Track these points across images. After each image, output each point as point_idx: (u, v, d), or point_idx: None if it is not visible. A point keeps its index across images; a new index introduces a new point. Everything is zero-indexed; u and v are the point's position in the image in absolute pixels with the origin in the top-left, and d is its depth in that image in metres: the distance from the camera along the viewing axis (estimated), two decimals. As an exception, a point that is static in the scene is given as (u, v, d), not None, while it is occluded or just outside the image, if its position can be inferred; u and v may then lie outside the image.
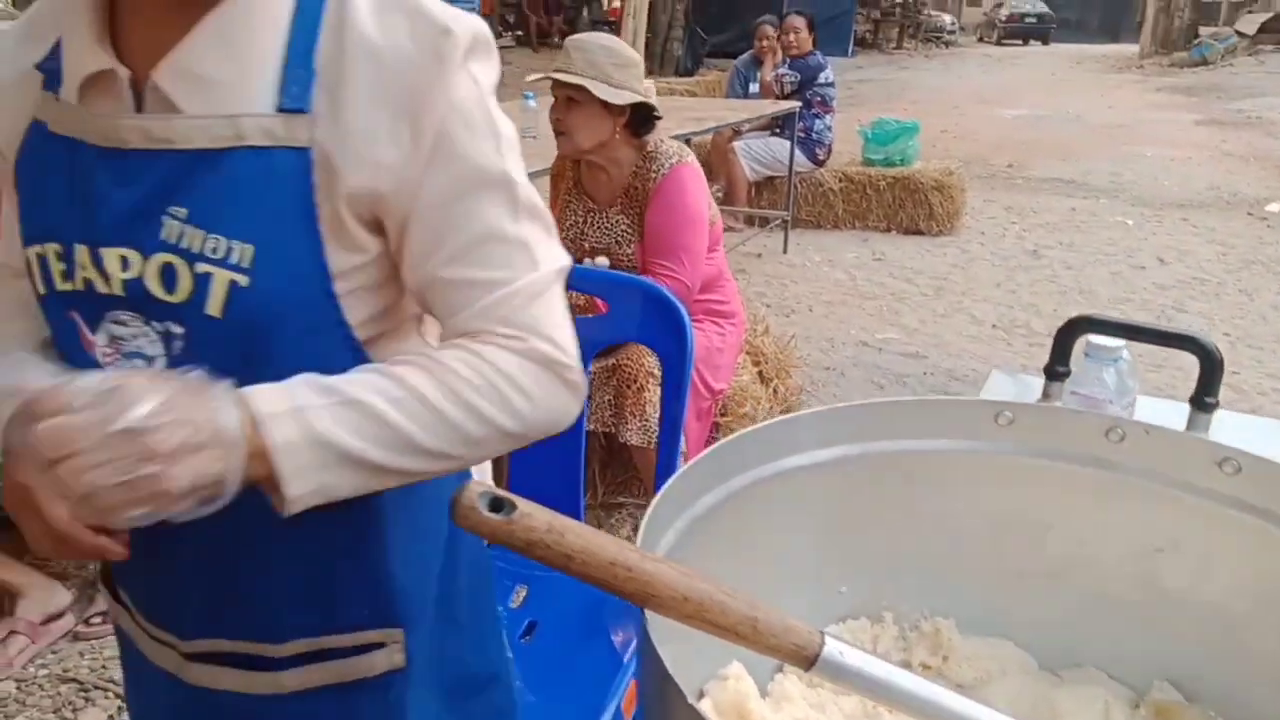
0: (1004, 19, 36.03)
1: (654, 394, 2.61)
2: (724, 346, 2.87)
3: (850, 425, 0.86)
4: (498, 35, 21.55)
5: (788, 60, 6.67)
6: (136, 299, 0.83)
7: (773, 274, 5.89)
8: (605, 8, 22.52)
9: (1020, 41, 35.33)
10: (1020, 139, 11.46)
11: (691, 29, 16.68)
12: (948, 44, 31.92)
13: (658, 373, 2.53)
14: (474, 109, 0.84)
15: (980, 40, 36.78)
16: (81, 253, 0.84)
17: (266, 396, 0.77)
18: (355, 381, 0.81)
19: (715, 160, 6.79)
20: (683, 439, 1.85)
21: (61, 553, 0.76)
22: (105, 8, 0.84)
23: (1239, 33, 22.59)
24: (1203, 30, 24.51)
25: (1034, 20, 35.67)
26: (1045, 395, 1.32)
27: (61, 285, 0.86)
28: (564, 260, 0.90)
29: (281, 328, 0.83)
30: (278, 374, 0.81)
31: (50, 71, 0.86)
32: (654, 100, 2.65)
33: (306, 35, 0.83)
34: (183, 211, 0.81)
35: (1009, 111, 14.23)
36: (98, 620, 2.55)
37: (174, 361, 0.83)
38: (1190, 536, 0.83)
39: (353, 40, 0.82)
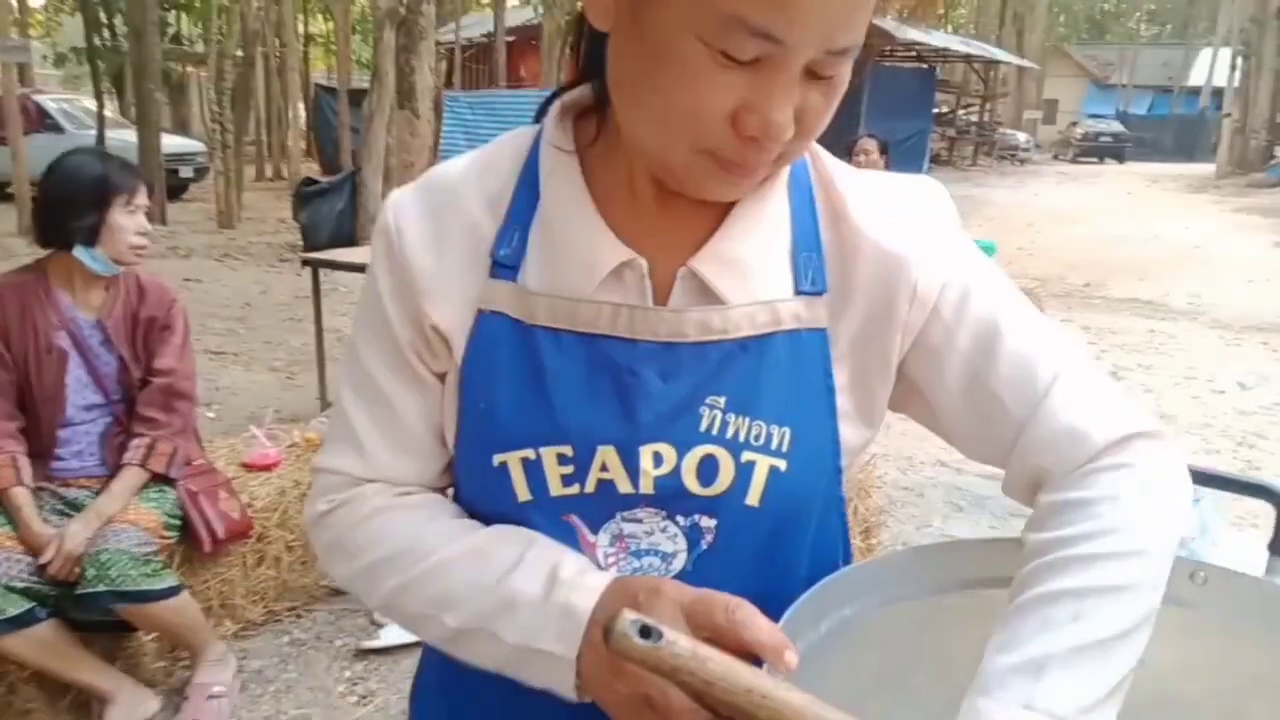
0: (1079, 137, 36.20)
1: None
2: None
3: (968, 562, 0.88)
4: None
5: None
6: (666, 495, 0.80)
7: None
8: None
9: (1095, 160, 35.34)
10: (1097, 258, 11.43)
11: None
12: (1022, 161, 32.03)
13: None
14: (970, 254, 0.86)
15: (1055, 158, 36.88)
16: (607, 454, 0.80)
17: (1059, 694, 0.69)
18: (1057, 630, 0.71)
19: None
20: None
21: None
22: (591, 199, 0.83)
23: (1318, 155, 22.36)
24: (1278, 151, 24.33)
25: (1109, 139, 35.77)
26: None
27: (560, 490, 0.81)
28: None
29: (809, 511, 0.84)
30: (797, 559, 0.84)
31: (505, 259, 0.82)
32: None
33: (807, 219, 0.84)
34: (721, 400, 0.80)
35: (1085, 230, 14.20)
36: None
37: (699, 556, 0.82)
38: (1274, 676, 0.85)
39: (849, 223, 0.84)
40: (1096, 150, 35.71)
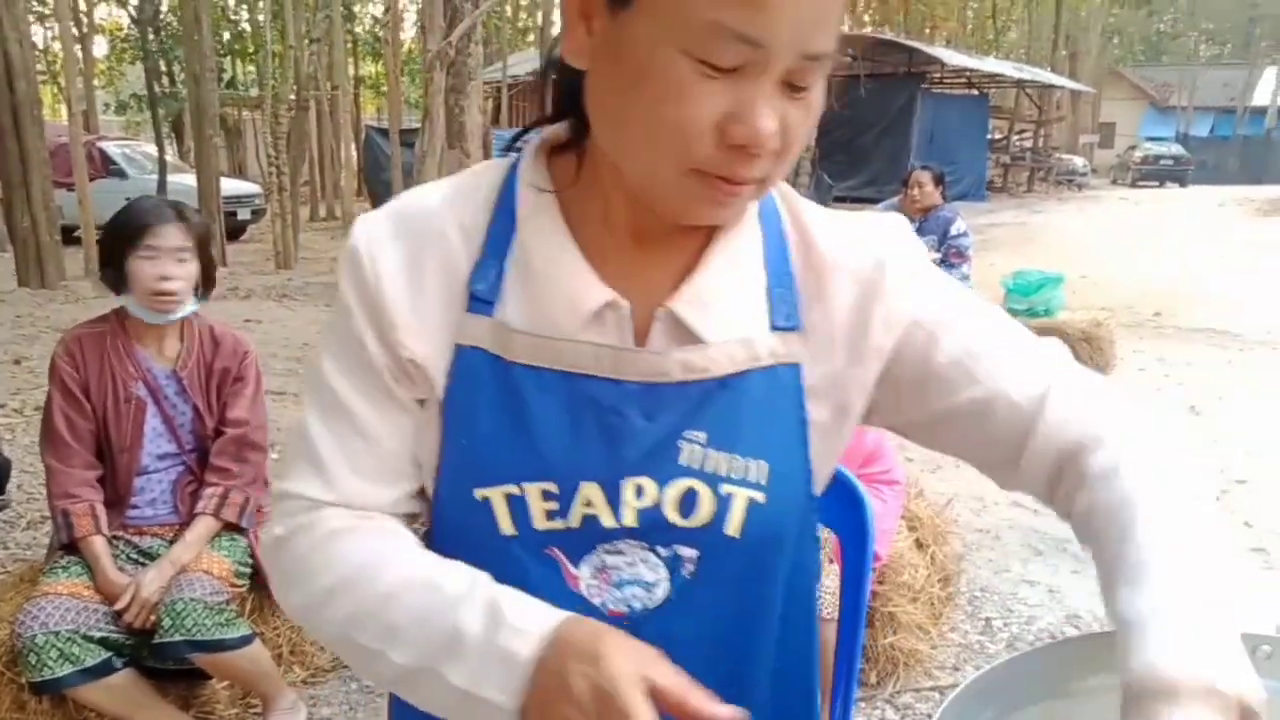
0: (1138, 161, 35.57)
1: (834, 573, 2.59)
2: (885, 513, 2.84)
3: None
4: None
5: (916, 221, 6.67)
6: (647, 527, 0.82)
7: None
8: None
9: (1156, 184, 34.73)
10: (1165, 286, 11.19)
11: (818, 175, 17.00)
12: (1080, 187, 31.61)
13: (835, 554, 2.52)
14: (939, 278, 0.91)
15: (1113, 182, 36.32)
16: (591, 490, 0.81)
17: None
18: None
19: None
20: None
21: None
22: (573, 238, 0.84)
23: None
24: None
25: (1170, 162, 35.07)
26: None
27: (544, 525, 0.82)
28: None
29: (786, 539, 0.87)
30: (775, 585, 0.86)
31: (482, 294, 0.82)
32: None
33: (779, 253, 0.87)
34: (701, 435, 0.82)
35: (1151, 256, 13.93)
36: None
37: (680, 585, 0.84)
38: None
39: (818, 257, 0.87)
40: (1156, 174, 35.05)
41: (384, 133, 19.44)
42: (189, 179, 14.07)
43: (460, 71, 13.05)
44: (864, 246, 0.87)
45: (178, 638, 2.34)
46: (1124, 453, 0.81)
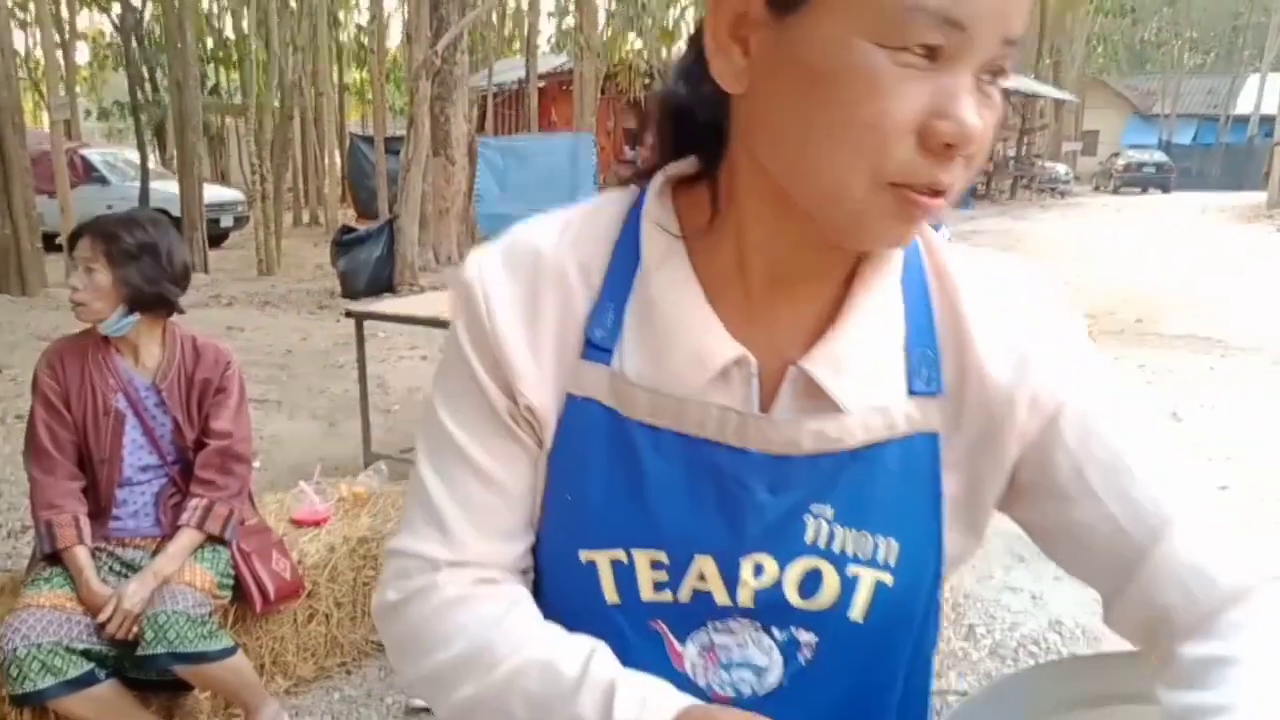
0: (1121, 168, 35.82)
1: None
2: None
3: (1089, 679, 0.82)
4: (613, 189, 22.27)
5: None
6: (764, 608, 0.76)
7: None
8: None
9: (1139, 190, 34.98)
10: (1148, 292, 11.22)
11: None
12: (1063, 194, 31.78)
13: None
14: (1093, 359, 0.80)
15: (1096, 189, 36.54)
16: (705, 564, 0.75)
17: None
18: None
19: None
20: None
21: None
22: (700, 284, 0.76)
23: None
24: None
25: (1153, 169, 35.35)
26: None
27: (651, 596, 0.76)
28: None
29: (911, 624, 0.79)
30: (896, 671, 0.80)
31: (599, 340, 0.76)
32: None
33: (922, 312, 0.78)
34: (829, 510, 0.75)
35: (1133, 263, 14.00)
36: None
37: (795, 671, 0.78)
38: None
39: (965, 316, 0.78)
40: (1139, 181, 35.33)
41: (369, 140, 19.46)
42: (171, 186, 14.04)
43: (446, 80, 13.08)
44: (1017, 306, 0.79)
45: (160, 650, 2.34)
46: (1240, 615, 0.71)
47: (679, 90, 0.76)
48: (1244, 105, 42.40)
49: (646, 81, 16.21)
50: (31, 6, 18.45)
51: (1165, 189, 34.83)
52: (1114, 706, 0.77)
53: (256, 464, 5.02)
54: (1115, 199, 31.95)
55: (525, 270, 0.77)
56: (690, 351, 0.74)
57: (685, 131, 0.78)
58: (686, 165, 0.79)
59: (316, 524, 3.22)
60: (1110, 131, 44.69)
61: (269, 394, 6.66)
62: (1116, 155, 37.42)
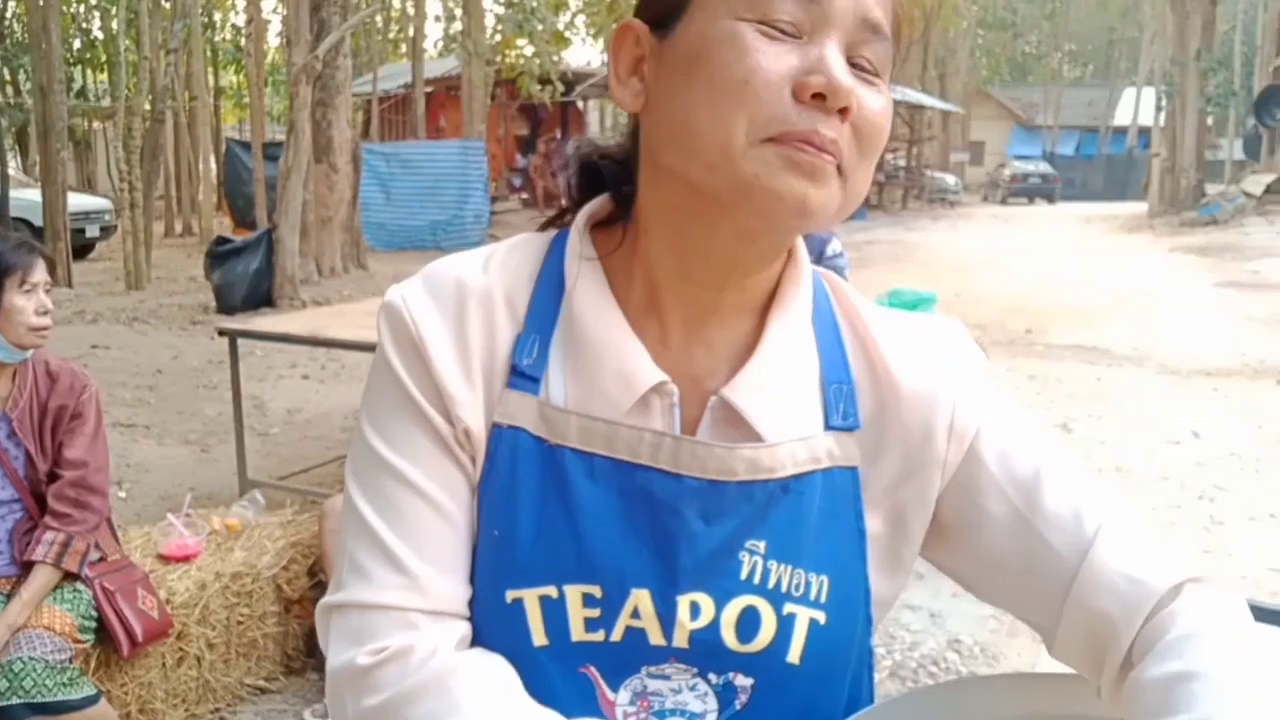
0: (1008, 179, 36.73)
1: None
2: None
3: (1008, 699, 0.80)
4: (504, 199, 22.06)
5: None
6: (700, 651, 0.74)
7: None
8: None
9: (1026, 200, 35.96)
10: (1036, 302, 11.37)
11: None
12: (953, 204, 32.52)
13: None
14: (1002, 397, 0.83)
15: (984, 200, 37.47)
16: (641, 599, 0.73)
17: None
18: None
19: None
20: None
21: None
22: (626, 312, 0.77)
23: (1245, 193, 22.83)
24: (1209, 189, 24.86)
25: (1039, 180, 36.32)
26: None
27: (581, 635, 0.74)
28: None
29: (845, 667, 0.79)
30: (832, 718, 0.78)
31: (526, 369, 0.75)
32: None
33: (835, 352, 0.80)
34: (761, 545, 0.74)
35: (1021, 274, 14.24)
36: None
37: (730, 716, 0.76)
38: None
39: (878, 357, 0.80)
40: (1026, 191, 36.32)
41: (246, 145, 18.77)
42: (34, 194, 13.47)
43: (328, 84, 12.59)
44: (927, 341, 0.82)
45: (16, 700, 2.21)
46: (1182, 624, 0.70)
47: (586, 146, 0.83)
48: (1122, 117, 44.06)
49: (538, 87, 15.93)
50: (-125, 2, 17.31)
51: (1051, 199, 35.88)
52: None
53: (122, 494, 4.78)
54: (1004, 209, 32.84)
55: (449, 298, 0.77)
56: (616, 371, 0.75)
57: (597, 178, 0.82)
58: (602, 204, 0.82)
59: (186, 559, 3.03)
60: (996, 142, 46.00)
61: (136, 417, 6.26)
62: (1003, 166, 38.39)
